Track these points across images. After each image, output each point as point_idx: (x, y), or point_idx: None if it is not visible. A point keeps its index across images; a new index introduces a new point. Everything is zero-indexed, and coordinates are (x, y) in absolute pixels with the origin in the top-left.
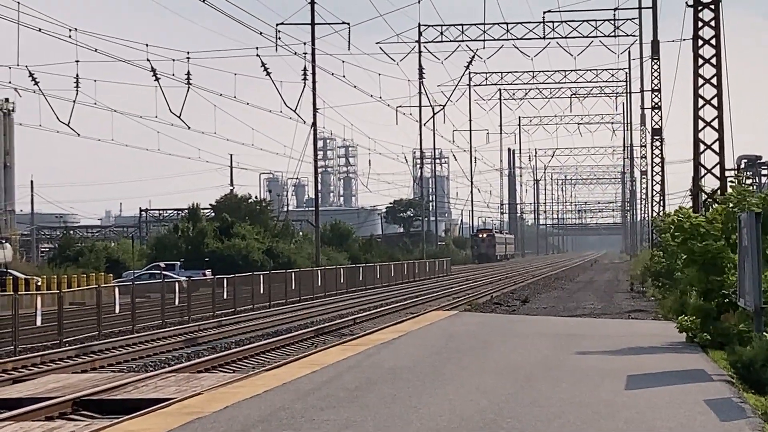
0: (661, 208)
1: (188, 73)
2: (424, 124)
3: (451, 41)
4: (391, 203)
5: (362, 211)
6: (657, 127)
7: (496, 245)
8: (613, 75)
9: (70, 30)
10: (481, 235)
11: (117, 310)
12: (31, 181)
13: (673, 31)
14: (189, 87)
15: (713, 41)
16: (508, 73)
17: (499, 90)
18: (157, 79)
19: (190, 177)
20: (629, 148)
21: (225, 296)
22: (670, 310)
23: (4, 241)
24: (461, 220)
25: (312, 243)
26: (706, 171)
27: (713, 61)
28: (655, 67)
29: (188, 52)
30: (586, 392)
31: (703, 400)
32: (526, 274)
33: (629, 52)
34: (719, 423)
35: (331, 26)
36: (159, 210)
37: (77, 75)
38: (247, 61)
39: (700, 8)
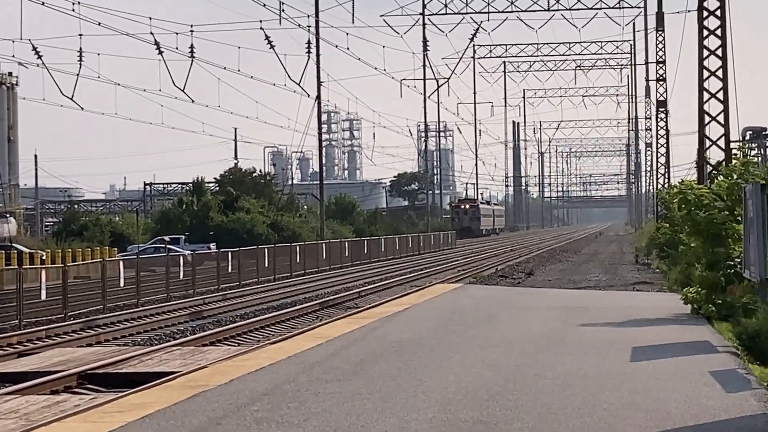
0: (666, 180)
1: (192, 47)
2: (429, 97)
3: (455, 13)
4: (395, 176)
5: (367, 185)
6: (662, 99)
7: (481, 217)
8: (617, 47)
9: (73, 3)
10: (462, 206)
11: (122, 284)
12: (35, 155)
13: (678, 2)
14: (192, 60)
15: (718, 12)
16: (513, 45)
17: (504, 62)
18: (160, 53)
19: (194, 151)
20: (634, 120)
21: (230, 270)
22: (675, 281)
23: (8, 216)
24: (466, 193)
25: (316, 216)
26: (711, 143)
27: (718, 32)
28: (660, 38)
29: (192, 26)
30: (591, 364)
31: (708, 371)
32: (531, 247)
33: (634, 23)
34: (724, 394)
35: None
36: (163, 184)
37: (80, 49)
38: (250, 34)
39: None
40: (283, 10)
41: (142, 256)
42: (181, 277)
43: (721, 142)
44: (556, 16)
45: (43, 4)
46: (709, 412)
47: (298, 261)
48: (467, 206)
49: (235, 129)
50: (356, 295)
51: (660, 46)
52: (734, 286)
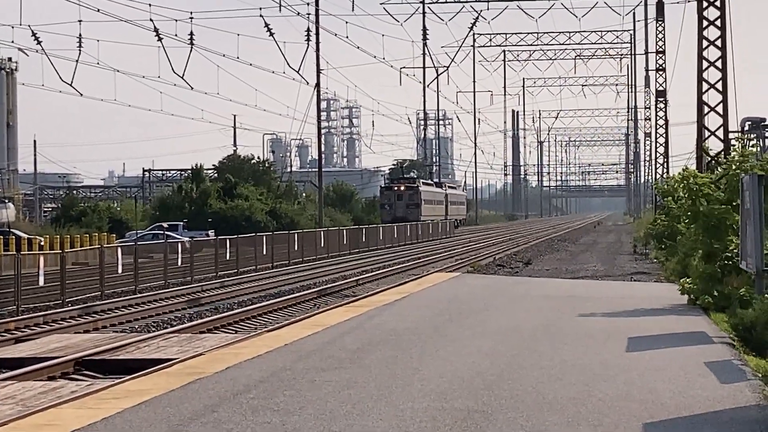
0: (665, 170)
1: (191, 34)
2: (428, 86)
3: (455, 2)
4: (394, 164)
5: (365, 172)
6: (661, 88)
7: (422, 205)
8: (617, 36)
9: None
10: (396, 188)
11: (120, 271)
12: (34, 141)
13: None
14: (192, 47)
15: (718, 3)
16: (513, 34)
17: (503, 51)
18: (160, 40)
19: (194, 137)
20: (633, 109)
21: (228, 257)
22: (672, 272)
23: (7, 201)
24: (465, 182)
25: (315, 204)
26: (710, 133)
27: (718, 23)
28: (660, 28)
29: (191, 13)
30: (587, 354)
31: (704, 362)
32: (529, 236)
33: (634, 13)
34: (719, 385)
35: None
36: (162, 170)
37: (80, 35)
38: (250, 22)
39: None
40: None
41: (141, 242)
42: (179, 264)
43: (720, 133)
44: (556, 5)
45: None
46: (704, 403)
47: (296, 249)
48: (401, 188)
49: (234, 116)
50: (354, 284)
51: (660, 36)
52: (731, 277)
